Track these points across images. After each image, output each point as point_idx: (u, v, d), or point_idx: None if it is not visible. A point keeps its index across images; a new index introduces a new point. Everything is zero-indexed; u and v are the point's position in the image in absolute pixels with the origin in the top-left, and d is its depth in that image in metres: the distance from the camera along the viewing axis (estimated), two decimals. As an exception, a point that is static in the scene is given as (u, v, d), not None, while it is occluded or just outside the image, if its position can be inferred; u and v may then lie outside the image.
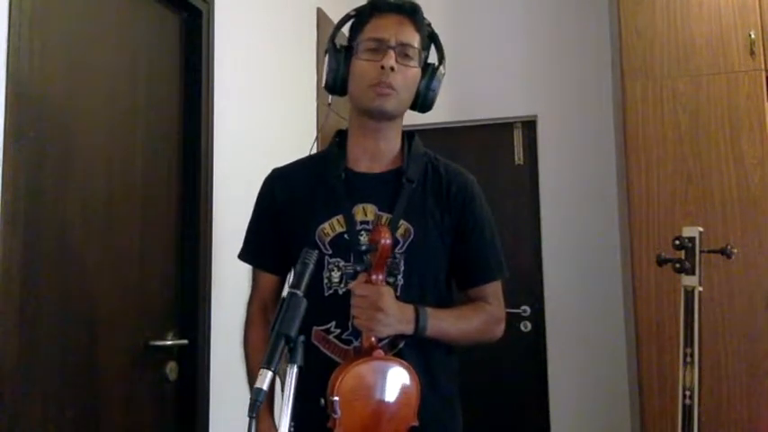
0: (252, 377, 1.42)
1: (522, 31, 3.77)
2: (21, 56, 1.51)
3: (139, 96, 2.01)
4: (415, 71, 1.38)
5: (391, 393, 1.23)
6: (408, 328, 1.28)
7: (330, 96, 1.47)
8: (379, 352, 1.24)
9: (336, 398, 1.17)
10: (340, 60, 1.39)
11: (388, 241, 1.24)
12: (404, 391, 1.23)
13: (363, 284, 1.26)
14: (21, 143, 1.50)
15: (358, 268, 1.28)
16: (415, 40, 1.37)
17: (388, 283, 1.29)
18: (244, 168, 2.37)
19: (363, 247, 1.29)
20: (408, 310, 1.29)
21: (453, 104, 3.62)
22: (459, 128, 3.82)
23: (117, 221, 1.88)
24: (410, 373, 1.24)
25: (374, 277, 1.26)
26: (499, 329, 1.44)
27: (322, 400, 1.21)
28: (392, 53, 1.33)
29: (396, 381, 1.23)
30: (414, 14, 1.38)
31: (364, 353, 1.24)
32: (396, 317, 1.25)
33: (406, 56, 1.35)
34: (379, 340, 1.26)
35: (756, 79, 2.79)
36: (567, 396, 3.50)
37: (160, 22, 2.13)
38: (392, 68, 1.32)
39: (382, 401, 1.22)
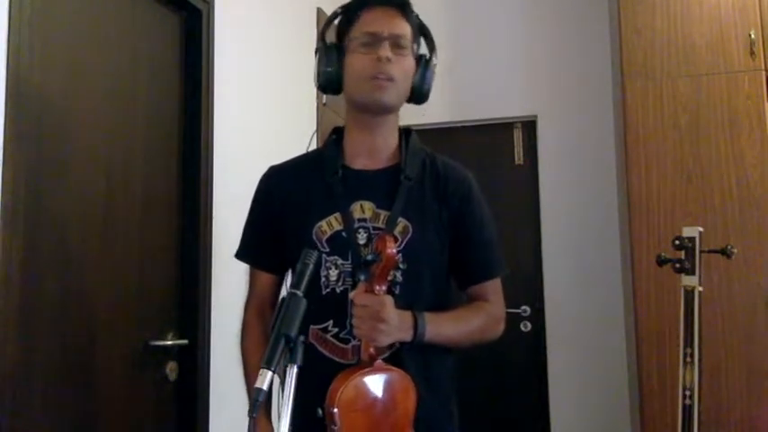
0: (249, 382, 1.39)
1: (523, 32, 3.77)
2: (21, 56, 1.51)
3: (139, 96, 2.01)
4: (409, 62, 1.37)
5: (391, 404, 1.21)
6: (407, 336, 1.26)
7: (324, 96, 1.46)
8: (380, 362, 1.22)
9: (336, 409, 1.14)
10: (332, 59, 1.38)
11: (394, 251, 1.22)
12: (403, 401, 1.22)
13: (365, 294, 1.23)
14: (21, 143, 1.50)
15: (362, 278, 1.25)
16: (406, 31, 1.37)
17: (388, 291, 1.27)
18: (243, 168, 2.36)
19: (369, 257, 1.25)
20: (407, 317, 1.27)
21: (453, 104, 3.62)
22: (459, 128, 3.82)
23: (117, 221, 1.88)
24: (409, 383, 1.23)
25: (377, 288, 1.23)
26: (499, 328, 1.43)
27: (320, 411, 1.19)
28: (387, 44, 1.33)
29: (396, 391, 1.22)
30: (403, 6, 1.38)
31: (364, 363, 1.22)
32: (396, 326, 1.23)
33: (400, 47, 1.35)
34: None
35: (756, 79, 2.79)
36: (566, 396, 3.49)
37: (160, 22, 2.13)
38: (388, 59, 1.32)
39: (382, 412, 1.20)
